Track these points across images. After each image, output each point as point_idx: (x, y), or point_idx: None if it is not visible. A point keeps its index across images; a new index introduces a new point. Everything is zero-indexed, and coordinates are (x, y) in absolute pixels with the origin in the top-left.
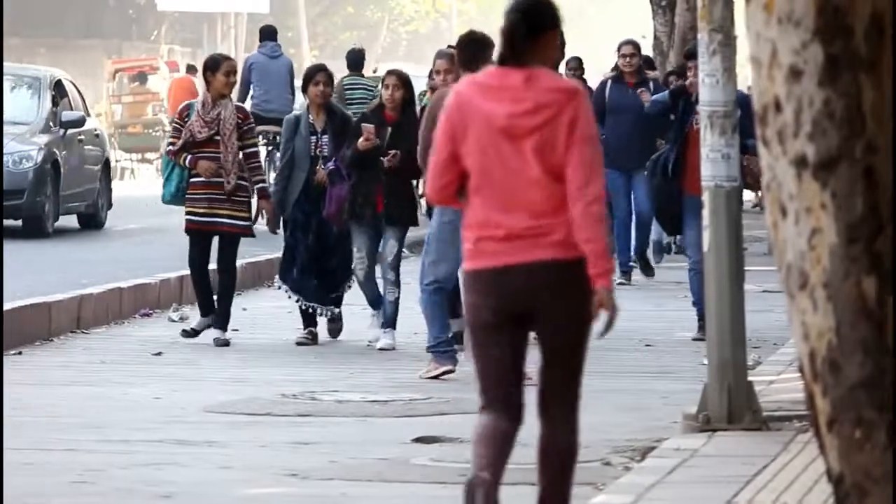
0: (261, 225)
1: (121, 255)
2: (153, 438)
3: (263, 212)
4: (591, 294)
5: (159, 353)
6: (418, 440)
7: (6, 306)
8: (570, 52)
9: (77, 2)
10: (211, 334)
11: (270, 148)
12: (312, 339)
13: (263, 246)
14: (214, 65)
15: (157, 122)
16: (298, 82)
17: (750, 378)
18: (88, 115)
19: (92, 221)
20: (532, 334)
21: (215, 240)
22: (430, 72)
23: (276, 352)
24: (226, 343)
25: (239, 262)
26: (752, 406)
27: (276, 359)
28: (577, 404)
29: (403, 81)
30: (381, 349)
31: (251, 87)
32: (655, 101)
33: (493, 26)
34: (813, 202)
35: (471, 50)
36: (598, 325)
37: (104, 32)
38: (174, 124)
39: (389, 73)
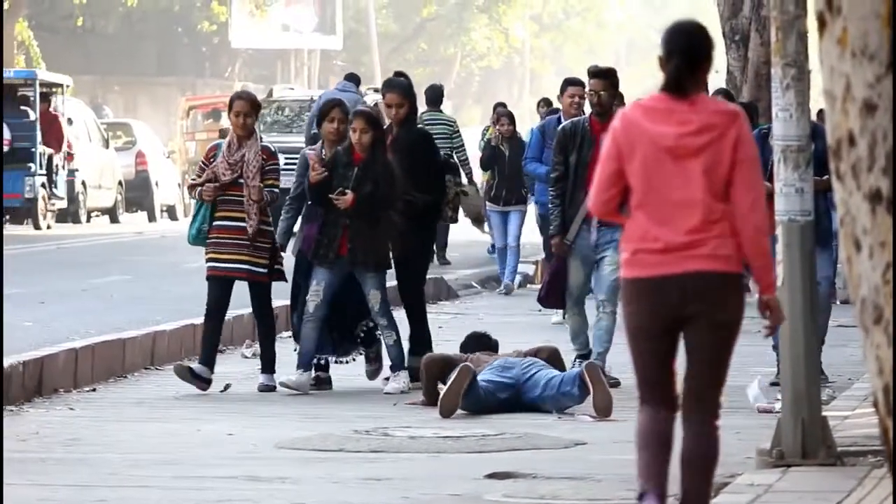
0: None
1: (193, 292)
2: (226, 474)
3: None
4: (738, 307)
5: (225, 389)
6: (491, 476)
7: (80, 343)
8: (643, 87)
9: (151, 40)
10: (260, 379)
11: None
12: (316, 383)
13: None
14: (230, 104)
15: None
16: None
17: (824, 413)
18: None
19: None
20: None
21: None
22: (495, 106)
23: (347, 388)
24: (271, 389)
25: None
26: (826, 441)
27: (347, 395)
28: (718, 411)
29: (371, 123)
30: (386, 393)
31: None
32: None
33: (566, 59)
34: (887, 236)
35: (473, 346)
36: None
37: (178, 70)
38: (200, 164)
39: (357, 115)
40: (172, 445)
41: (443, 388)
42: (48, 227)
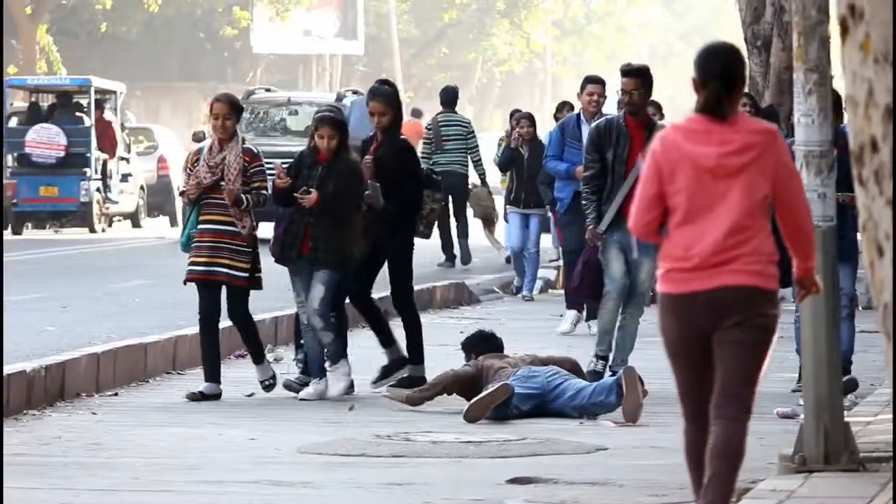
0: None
1: None
2: (249, 479)
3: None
4: (771, 316)
5: (251, 395)
6: (512, 481)
7: (102, 348)
8: (664, 93)
9: (174, 45)
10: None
11: None
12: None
13: None
14: (210, 107)
15: None
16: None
17: (846, 418)
18: None
19: None
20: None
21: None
22: (512, 113)
23: (369, 392)
24: (272, 379)
25: None
26: (848, 447)
27: (369, 399)
28: (751, 410)
29: (338, 128)
30: (301, 399)
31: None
32: None
33: (586, 67)
34: None
35: (479, 346)
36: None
37: (200, 75)
38: (186, 170)
39: (324, 121)
40: (195, 450)
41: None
42: (103, 231)
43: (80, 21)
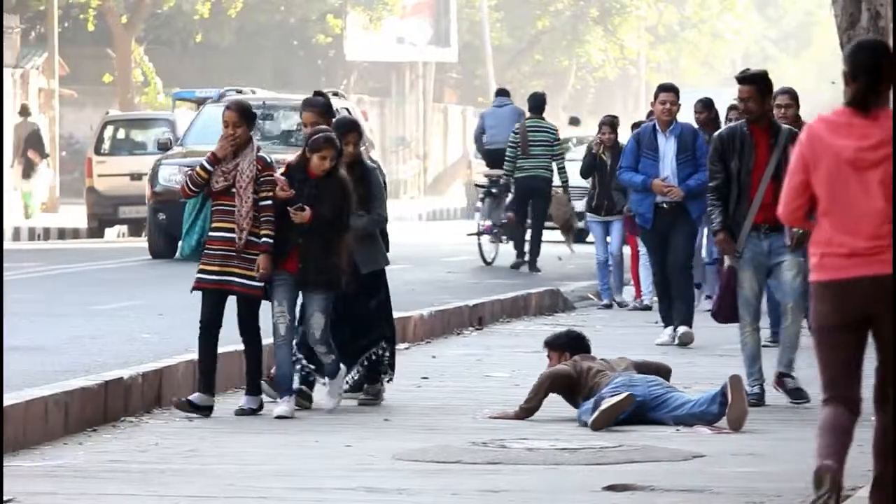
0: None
1: None
2: (344, 486)
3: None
4: None
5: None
6: (609, 488)
7: (190, 356)
8: None
9: (267, 53)
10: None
11: (493, 189)
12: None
13: (452, 293)
14: (223, 114)
15: None
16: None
17: None
18: None
19: None
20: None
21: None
22: (602, 119)
23: (465, 399)
24: (249, 412)
25: (427, 310)
26: None
27: (464, 406)
28: None
29: (338, 150)
30: (330, 410)
31: (484, 132)
32: None
33: (680, 73)
34: None
35: (567, 346)
36: None
37: (294, 83)
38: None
39: (326, 142)
40: (290, 457)
41: (602, 405)
42: None
43: (174, 30)
